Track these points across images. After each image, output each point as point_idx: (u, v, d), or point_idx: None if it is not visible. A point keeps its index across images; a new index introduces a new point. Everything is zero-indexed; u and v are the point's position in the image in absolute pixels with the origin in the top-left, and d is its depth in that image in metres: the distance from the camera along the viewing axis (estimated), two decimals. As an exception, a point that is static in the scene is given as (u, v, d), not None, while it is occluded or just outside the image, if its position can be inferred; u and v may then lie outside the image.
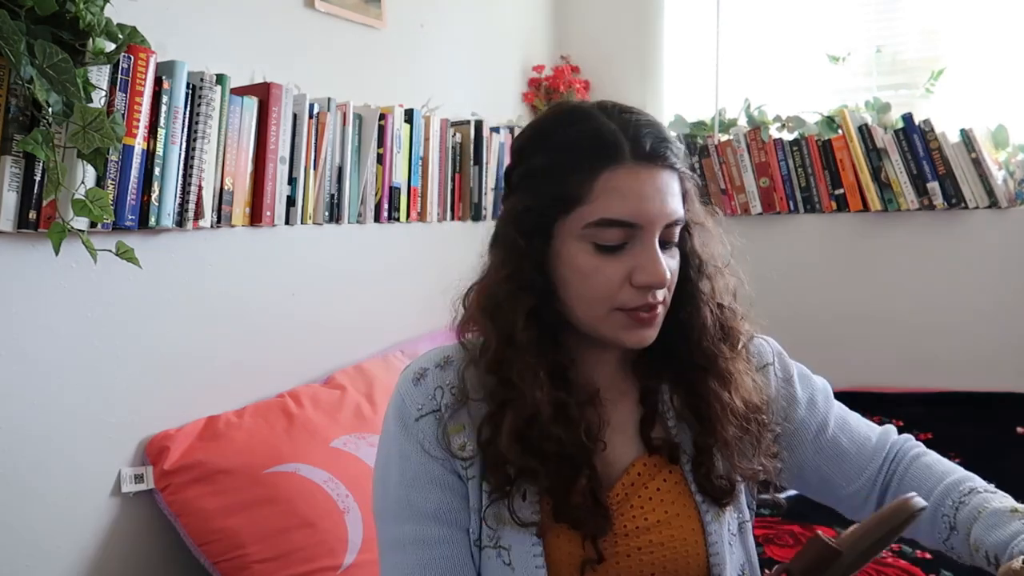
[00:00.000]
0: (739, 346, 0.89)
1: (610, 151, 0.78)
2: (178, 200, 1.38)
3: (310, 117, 1.68)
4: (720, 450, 0.85)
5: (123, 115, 1.24)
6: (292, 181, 1.65)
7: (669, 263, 0.80)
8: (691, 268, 0.86)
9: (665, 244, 0.80)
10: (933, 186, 2.30)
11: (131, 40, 1.21)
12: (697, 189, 0.87)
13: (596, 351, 0.87)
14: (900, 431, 2.41)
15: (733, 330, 0.89)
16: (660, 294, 0.80)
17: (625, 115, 0.81)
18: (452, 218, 2.19)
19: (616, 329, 0.80)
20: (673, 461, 0.86)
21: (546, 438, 0.79)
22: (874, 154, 2.37)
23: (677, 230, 0.82)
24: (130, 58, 1.24)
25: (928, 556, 1.66)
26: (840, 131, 2.43)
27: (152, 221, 1.33)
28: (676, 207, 0.80)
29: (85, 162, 1.16)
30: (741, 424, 0.85)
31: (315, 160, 1.71)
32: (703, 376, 0.86)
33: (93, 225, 1.23)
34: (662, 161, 0.79)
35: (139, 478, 1.38)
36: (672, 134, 0.86)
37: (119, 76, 1.23)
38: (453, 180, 2.20)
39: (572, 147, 0.80)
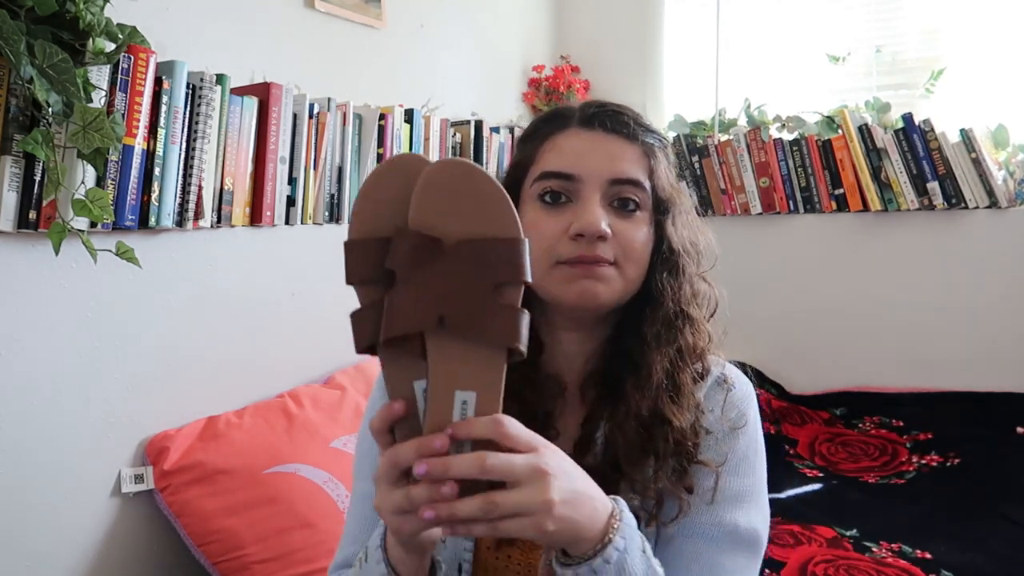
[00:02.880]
0: (682, 355, 0.83)
1: (560, 119, 0.86)
2: (178, 200, 1.38)
3: (310, 117, 1.68)
4: (625, 475, 0.79)
5: (123, 115, 1.24)
6: (292, 181, 1.65)
7: (621, 225, 0.80)
8: (661, 252, 0.83)
9: (622, 208, 0.81)
10: (933, 186, 2.30)
11: (131, 40, 1.21)
12: (671, 175, 0.85)
13: (564, 338, 0.85)
14: (900, 431, 2.43)
15: (685, 341, 0.83)
16: (605, 250, 0.79)
17: (596, 100, 0.87)
18: (452, 218, 2.19)
19: (559, 284, 0.80)
20: None
21: None
22: (874, 154, 2.37)
23: (636, 194, 0.81)
24: (130, 58, 1.24)
25: (928, 556, 1.66)
26: (840, 131, 2.43)
27: (152, 221, 1.33)
28: (625, 168, 0.81)
29: (85, 162, 1.16)
30: (639, 429, 0.79)
31: (315, 160, 1.71)
32: (627, 371, 0.82)
33: (93, 225, 1.23)
34: (609, 127, 0.83)
35: (139, 478, 1.38)
36: (644, 118, 0.87)
37: (119, 76, 1.23)
38: (453, 180, 2.20)
39: (536, 124, 0.89)
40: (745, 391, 0.88)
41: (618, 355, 0.84)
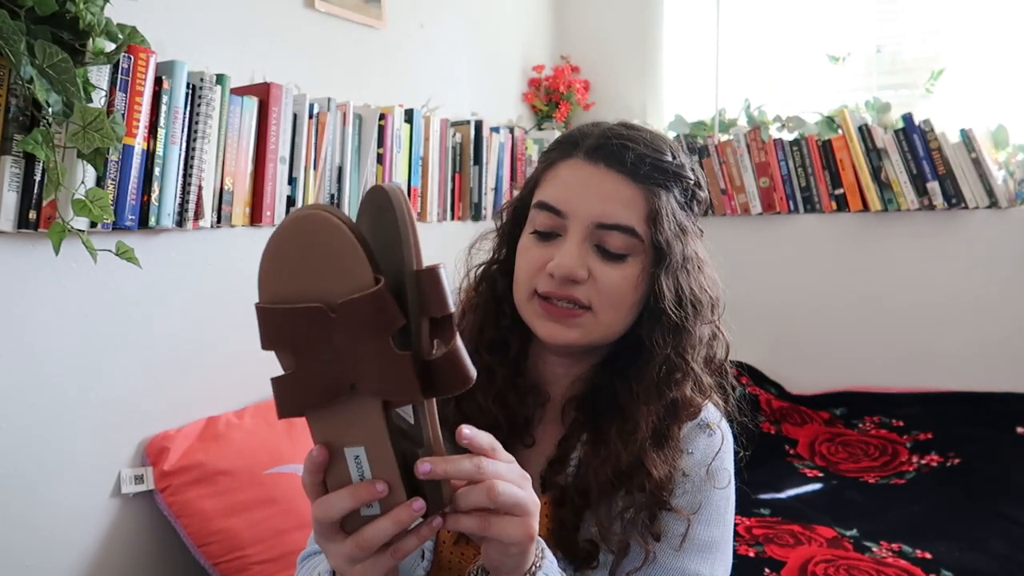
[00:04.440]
0: (675, 409, 0.81)
1: (569, 146, 0.83)
2: (178, 200, 1.38)
3: (310, 117, 1.68)
4: (593, 505, 0.78)
5: (123, 115, 1.24)
6: (292, 181, 1.65)
7: (602, 269, 0.77)
8: (654, 304, 0.80)
9: (608, 253, 0.78)
10: (933, 186, 2.30)
11: (131, 40, 1.21)
12: (679, 217, 0.80)
13: (550, 359, 0.86)
14: (900, 431, 2.43)
15: (682, 394, 0.80)
16: (579, 292, 0.77)
17: (615, 127, 0.83)
18: (452, 218, 2.19)
19: (532, 316, 0.81)
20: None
21: (469, 401, 0.82)
22: (874, 154, 2.37)
23: (623, 240, 0.78)
24: (130, 58, 1.24)
25: (928, 556, 1.66)
26: (840, 131, 2.43)
27: (152, 221, 1.33)
28: (614, 212, 0.77)
29: (85, 162, 1.16)
30: (614, 478, 0.77)
31: (315, 160, 1.71)
32: (612, 416, 0.80)
33: (93, 225, 1.23)
34: (612, 164, 0.79)
35: (139, 479, 1.38)
36: (666, 155, 0.81)
37: (119, 76, 1.23)
38: (453, 180, 2.20)
39: (553, 143, 0.88)
40: (728, 440, 0.86)
41: (604, 389, 0.82)
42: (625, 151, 0.79)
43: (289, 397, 0.57)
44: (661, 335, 0.79)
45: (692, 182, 0.83)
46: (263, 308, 0.56)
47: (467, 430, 0.59)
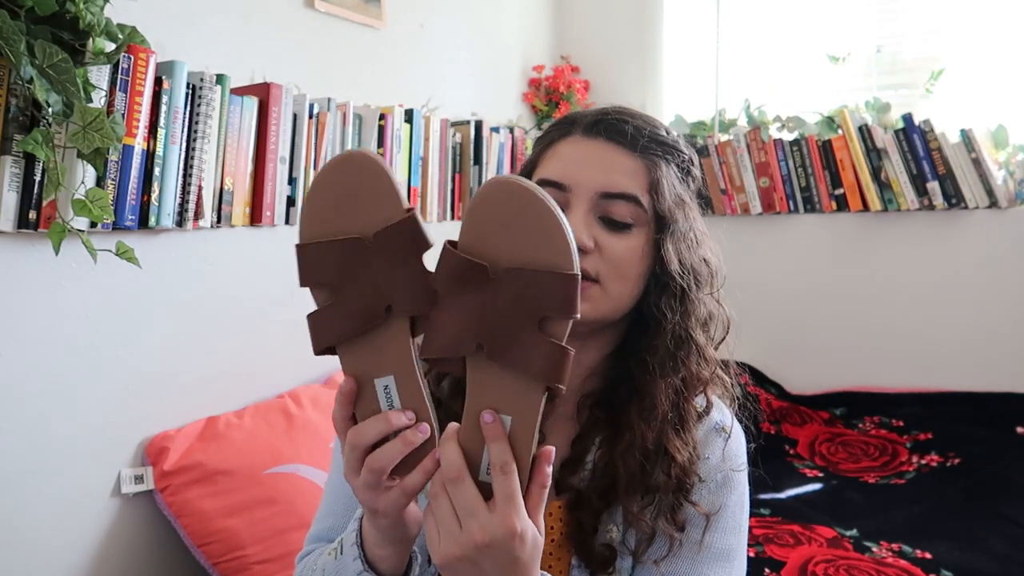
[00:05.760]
0: (686, 384, 0.80)
1: (566, 125, 0.84)
2: (178, 200, 1.38)
3: (310, 117, 1.68)
4: (621, 496, 0.77)
5: (123, 115, 1.24)
6: (292, 181, 1.65)
7: (609, 239, 0.77)
8: (659, 275, 0.80)
9: (613, 223, 0.78)
10: (933, 186, 2.31)
11: (131, 40, 1.21)
12: (678, 189, 0.82)
13: None
14: (900, 431, 2.43)
15: (689, 370, 0.80)
16: (588, 264, 0.76)
17: (610, 107, 0.85)
18: (452, 218, 2.19)
19: None
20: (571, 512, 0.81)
21: None
22: (874, 154, 2.37)
23: (628, 209, 0.78)
24: (130, 58, 1.24)
25: (928, 556, 1.66)
26: (840, 131, 2.43)
27: (152, 221, 1.33)
28: (618, 182, 0.78)
29: (85, 162, 1.16)
30: (642, 461, 0.77)
31: (315, 160, 1.71)
32: (629, 399, 0.80)
33: (93, 225, 1.23)
34: (612, 136, 0.80)
35: (139, 479, 1.38)
36: (661, 130, 0.83)
37: (119, 76, 1.23)
38: (453, 180, 2.20)
39: (548, 127, 0.89)
40: (742, 441, 0.86)
41: (621, 380, 0.82)
42: (624, 124, 0.81)
43: (325, 328, 0.61)
44: (668, 304, 0.80)
45: (686, 158, 0.84)
46: (303, 245, 0.61)
47: (488, 416, 0.60)
